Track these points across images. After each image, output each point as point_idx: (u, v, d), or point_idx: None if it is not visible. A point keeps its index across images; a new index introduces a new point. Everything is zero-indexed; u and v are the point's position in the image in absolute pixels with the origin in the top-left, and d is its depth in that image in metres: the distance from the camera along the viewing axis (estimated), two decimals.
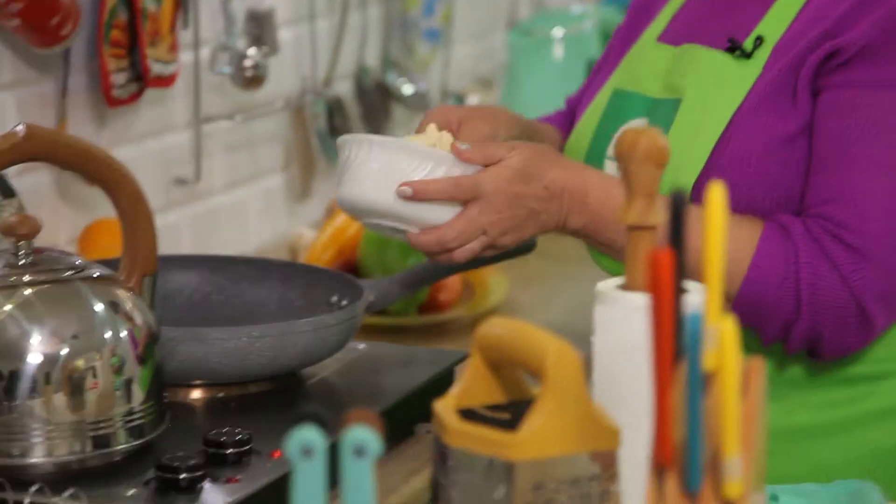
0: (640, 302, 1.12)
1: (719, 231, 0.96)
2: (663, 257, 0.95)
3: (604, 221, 1.47)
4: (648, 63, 1.60)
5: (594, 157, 1.58)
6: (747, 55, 1.52)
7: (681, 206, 1.00)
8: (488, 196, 1.44)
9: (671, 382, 0.96)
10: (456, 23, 2.72)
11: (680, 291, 0.98)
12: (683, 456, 0.95)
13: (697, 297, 1.06)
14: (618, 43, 1.71)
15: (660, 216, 1.16)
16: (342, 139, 1.47)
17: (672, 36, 1.61)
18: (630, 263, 1.16)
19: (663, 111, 1.55)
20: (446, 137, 1.51)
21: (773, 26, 1.52)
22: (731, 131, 1.49)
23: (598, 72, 1.76)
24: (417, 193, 1.43)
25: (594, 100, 1.65)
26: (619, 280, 1.17)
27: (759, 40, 1.52)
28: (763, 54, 1.51)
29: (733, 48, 1.53)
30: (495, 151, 1.45)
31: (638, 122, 1.58)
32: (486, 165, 1.45)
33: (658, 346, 0.96)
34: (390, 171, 1.44)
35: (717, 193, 0.96)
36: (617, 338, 1.13)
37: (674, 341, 0.96)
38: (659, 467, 0.96)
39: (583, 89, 1.81)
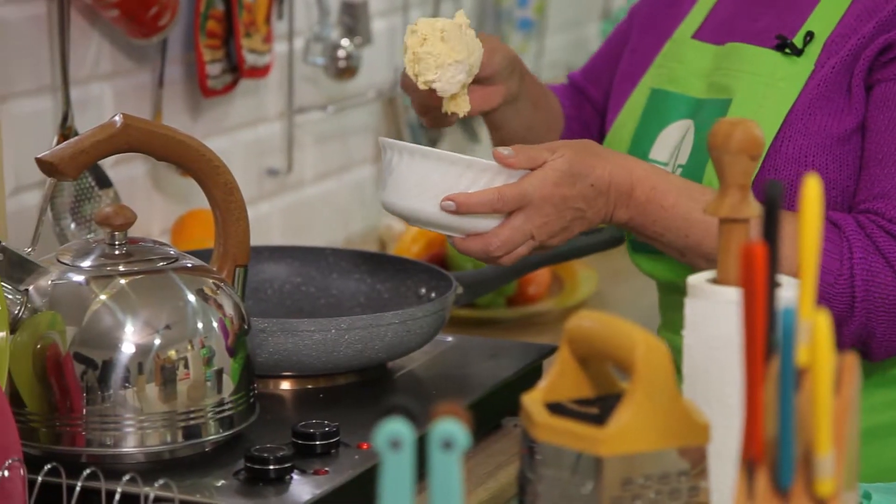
0: (731, 296, 1.11)
1: (815, 224, 0.95)
2: (756, 251, 0.94)
3: (650, 215, 1.44)
4: (688, 62, 1.58)
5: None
6: (798, 52, 1.49)
7: (775, 199, 0.98)
8: (535, 203, 1.41)
9: (763, 377, 0.94)
10: (549, 13, 2.71)
11: (773, 285, 0.96)
12: (774, 452, 0.94)
13: (790, 292, 1.04)
14: (641, 36, 1.67)
15: (753, 209, 1.15)
16: (384, 141, 1.45)
17: (710, 34, 1.59)
18: (722, 257, 1.14)
19: (711, 111, 1.52)
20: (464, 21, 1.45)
21: (822, 21, 1.49)
22: (785, 131, 1.47)
23: (612, 56, 1.72)
24: (461, 207, 1.40)
25: (629, 99, 1.62)
26: (710, 273, 1.16)
27: (810, 36, 1.49)
28: (814, 51, 1.48)
29: (783, 45, 1.50)
30: (538, 154, 1.42)
31: (682, 123, 1.56)
32: (530, 169, 1.41)
33: (750, 340, 0.95)
34: (432, 182, 1.41)
35: (812, 187, 0.95)
36: (708, 332, 1.12)
37: (766, 336, 0.95)
38: (749, 463, 0.95)
39: (589, 70, 1.77)
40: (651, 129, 1.58)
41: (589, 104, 1.78)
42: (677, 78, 1.58)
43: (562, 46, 2.84)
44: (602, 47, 1.80)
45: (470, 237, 1.42)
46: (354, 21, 2.18)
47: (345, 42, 2.14)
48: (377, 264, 1.70)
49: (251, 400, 1.39)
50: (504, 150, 1.41)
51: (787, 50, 1.49)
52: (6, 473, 1.21)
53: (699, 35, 1.60)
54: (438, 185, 1.41)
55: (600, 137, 1.75)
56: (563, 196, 1.41)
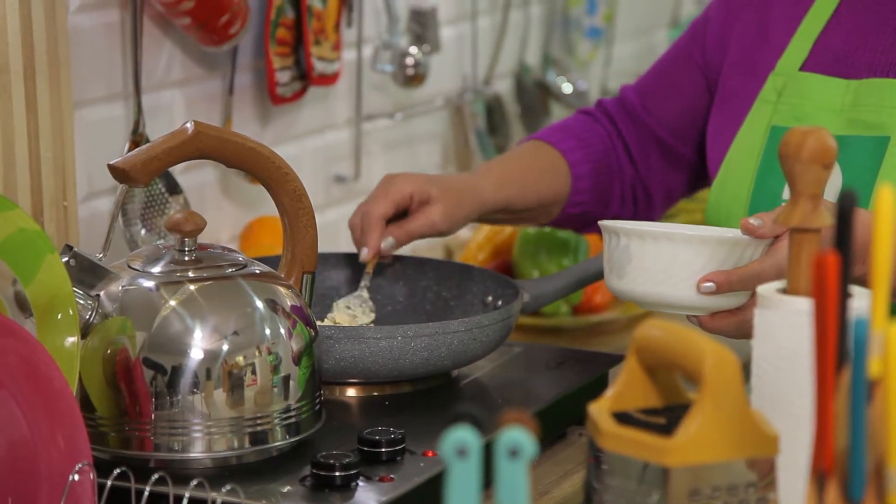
0: (802, 306, 1.10)
1: (888, 234, 0.94)
2: (828, 261, 0.93)
3: None
4: (815, 98, 1.53)
5: (766, 201, 1.52)
6: None
7: (848, 208, 0.97)
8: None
9: (834, 389, 0.93)
10: (618, 21, 2.70)
11: (845, 296, 0.95)
12: (845, 464, 0.93)
13: (862, 302, 1.03)
14: (736, 78, 1.61)
15: (825, 219, 1.14)
16: (615, 227, 1.42)
17: (826, 66, 1.54)
18: (793, 267, 1.13)
19: (860, 149, 1.48)
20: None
21: None
22: None
23: (670, 75, 1.69)
24: (722, 286, 1.37)
25: (738, 138, 1.57)
26: (780, 283, 1.15)
27: None
28: None
29: None
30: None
31: None
32: (774, 237, 1.38)
33: (820, 351, 0.94)
34: (682, 263, 1.38)
35: (888, 197, 0.94)
36: (777, 342, 1.11)
37: (837, 347, 0.94)
38: (819, 475, 0.94)
39: (643, 88, 1.72)
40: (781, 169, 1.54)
41: (634, 124, 1.74)
42: (805, 115, 1.53)
43: (630, 55, 2.83)
44: (659, 66, 1.75)
45: (718, 315, 1.40)
46: (423, 29, 2.19)
47: (413, 49, 2.15)
48: (444, 272, 1.70)
49: (317, 407, 1.40)
50: (753, 221, 1.37)
51: None
52: (76, 477, 1.22)
53: (810, 67, 1.55)
54: (690, 265, 1.38)
55: (643, 158, 1.71)
56: None
